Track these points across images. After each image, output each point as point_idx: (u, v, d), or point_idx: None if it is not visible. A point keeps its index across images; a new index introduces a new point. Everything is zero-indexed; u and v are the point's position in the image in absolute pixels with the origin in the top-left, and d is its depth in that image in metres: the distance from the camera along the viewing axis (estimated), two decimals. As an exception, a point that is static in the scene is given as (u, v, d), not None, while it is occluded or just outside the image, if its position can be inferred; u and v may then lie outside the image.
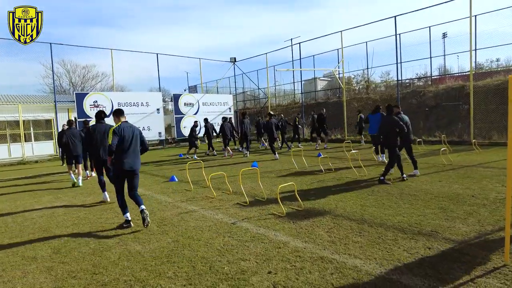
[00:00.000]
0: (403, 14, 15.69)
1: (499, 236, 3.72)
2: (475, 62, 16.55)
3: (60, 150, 12.37)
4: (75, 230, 4.85)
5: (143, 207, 4.80)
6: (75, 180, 8.62)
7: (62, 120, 16.99)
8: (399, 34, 16.93)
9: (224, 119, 14.55)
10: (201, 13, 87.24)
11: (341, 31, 18.09)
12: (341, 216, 4.83)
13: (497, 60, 18.69)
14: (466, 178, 6.92)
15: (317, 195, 6.19)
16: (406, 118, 7.77)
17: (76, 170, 8.97)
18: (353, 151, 9.49)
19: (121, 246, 4.10)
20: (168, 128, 25.00)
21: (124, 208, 4.95)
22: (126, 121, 5.08)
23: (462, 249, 3.45)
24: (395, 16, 15.73)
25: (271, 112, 13.53)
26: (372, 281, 2.91)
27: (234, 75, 26.09)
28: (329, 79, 29.35)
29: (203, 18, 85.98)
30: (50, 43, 16.08)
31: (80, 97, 16.81)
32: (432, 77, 19.76)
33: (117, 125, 4.89)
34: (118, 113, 5.09)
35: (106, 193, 6.66)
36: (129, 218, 4.94)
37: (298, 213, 5.09)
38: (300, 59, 21.23)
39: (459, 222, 4.28)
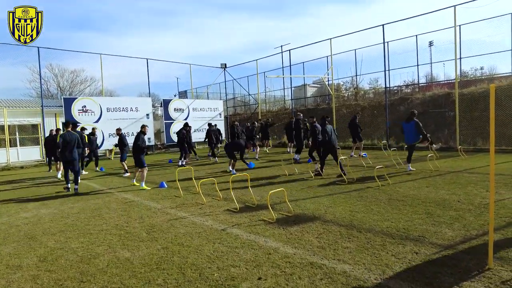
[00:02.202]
0: (391, 22, 16.07)
1: (484, 240, 3.81)
2: (460, 70, 16.96)
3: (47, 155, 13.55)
4: (62, 237, 4.77)
5: (76, 186, 8.10)
6: (59, 177, 10.70)
7: (49, 125, 16.72)
8: (387, 42, 17.30)
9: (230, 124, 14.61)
10: (192, 19, 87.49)
11: (330, 39, 18.35)
12: (331, 221, 4.88)
13: (481, 68, 19.19)
14: (452, 184, 7.07)
15: (306, 201, 6.23)
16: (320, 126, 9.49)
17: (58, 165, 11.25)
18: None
19: (109, 253, 4.05)
20: (157, 134, 24.84)
21: (67, 180, 8.28)
22: (69, 130, 8.04)
23: (448, 254, 3.52)
24: (383, 25, 16.07)
25: (211, 123, 14.61)
26: (360, 286, 2.95)
27: (225, 81, 26.11)
28: (319, 85, 29.70)
29: (194, 24, 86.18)
30: (38, 47, 15.85)
31: (68, 102, 16.56)
32: (419, 85, 20.17)
33: (63, 132, 7.97)
34: (66, 125, 8.19)
35: (59, 172, 10.84)
36: (69, 187, 8.23)
37: (288, 219, 5.11)
38: (290, 65, 21.45)
39: (445, 227, 4.37)
